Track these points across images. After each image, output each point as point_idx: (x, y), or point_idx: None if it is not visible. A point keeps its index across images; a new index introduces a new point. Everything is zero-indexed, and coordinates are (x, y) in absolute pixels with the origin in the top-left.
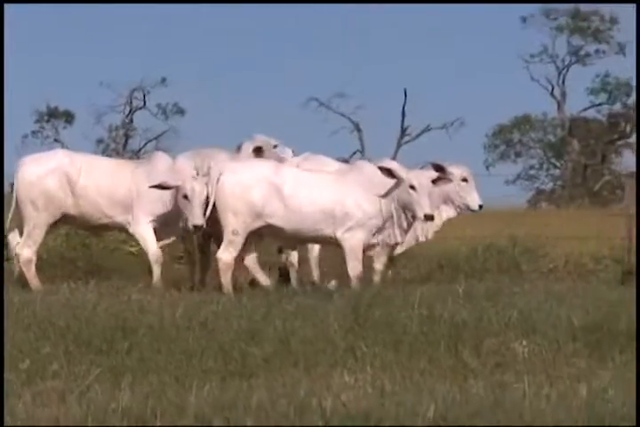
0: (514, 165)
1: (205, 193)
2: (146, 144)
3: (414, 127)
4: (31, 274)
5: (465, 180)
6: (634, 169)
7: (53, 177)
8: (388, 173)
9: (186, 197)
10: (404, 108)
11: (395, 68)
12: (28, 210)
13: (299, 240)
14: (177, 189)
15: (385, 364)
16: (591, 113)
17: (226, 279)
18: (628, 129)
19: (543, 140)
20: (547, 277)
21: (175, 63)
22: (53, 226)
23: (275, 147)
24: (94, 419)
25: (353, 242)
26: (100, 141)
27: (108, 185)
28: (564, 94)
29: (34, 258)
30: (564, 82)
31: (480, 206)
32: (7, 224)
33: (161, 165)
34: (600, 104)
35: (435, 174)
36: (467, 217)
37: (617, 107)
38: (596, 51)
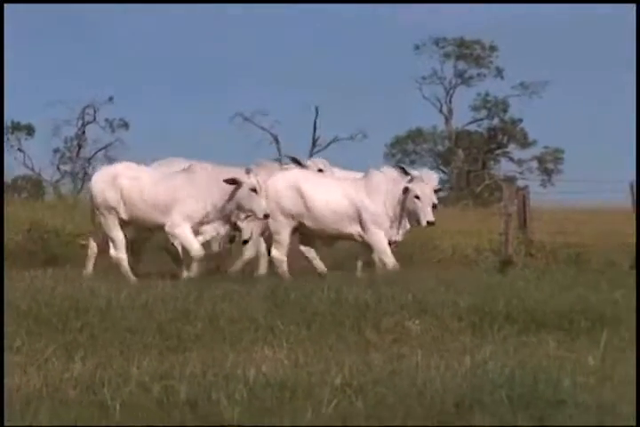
0: None
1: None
2: (96, 153)
3: (324, 139)
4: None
5: (320, 170)
6: (509, 174)
7: (111, 187)
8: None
9: (254, 190)
10: (315, 122)
11: (307, 86)
12: (99, 216)
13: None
14: (243, 184)
15: (299, 340)
16: (473, 127)
17: (282, 271)
18: (505, 140)
19: (433, 149)
20: (436, 265)
21: (120, 82)
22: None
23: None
24: (51, 386)
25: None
26: (56, 151)
27: (153, 192)
28: (450, 111)
29: (123, 256)
30: (450, 100)
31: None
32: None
33: (201, 173)
34: (481, 119)
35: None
36: None
37: (495, 121)
38: (478, 74)
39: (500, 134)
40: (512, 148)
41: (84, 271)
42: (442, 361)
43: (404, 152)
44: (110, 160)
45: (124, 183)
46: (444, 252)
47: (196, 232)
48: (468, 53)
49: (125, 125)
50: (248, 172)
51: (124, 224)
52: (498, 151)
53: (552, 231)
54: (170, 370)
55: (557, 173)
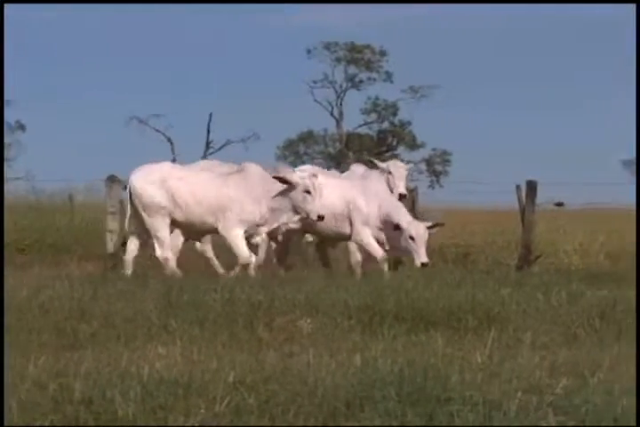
0: None
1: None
2: None
3: (217, 141)
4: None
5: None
6: None
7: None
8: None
9: (308, 191)
10: (208, 126)
11: (201, 91)
12: (145, 216)
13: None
14: (298, 185)
15: (192, 338)
16: (364, 130)
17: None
18: (394, 143)
19: (324, 151)
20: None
21: (19, 85)
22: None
23: None
24: None
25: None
26: None
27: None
28: (341, 114)
29: (169, 256)
30: (341, 104)
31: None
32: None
33: (254, 174)
34: (371, 122)
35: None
36: None
37: (385, 124)
38: (368, 78)
39: (390, 137)
40: (401, 150)
41: (124, 273)
42: (333, 359)
43: (295, 154)
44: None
45: (173, 184)
46: (335, 252)
47: (250, 235)
48: (359, 58)
49: (22, 128)
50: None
51: (173, 225)
52: (387, 154)
53: (440, 231)
54: (65, 368)
55: (445, 174)
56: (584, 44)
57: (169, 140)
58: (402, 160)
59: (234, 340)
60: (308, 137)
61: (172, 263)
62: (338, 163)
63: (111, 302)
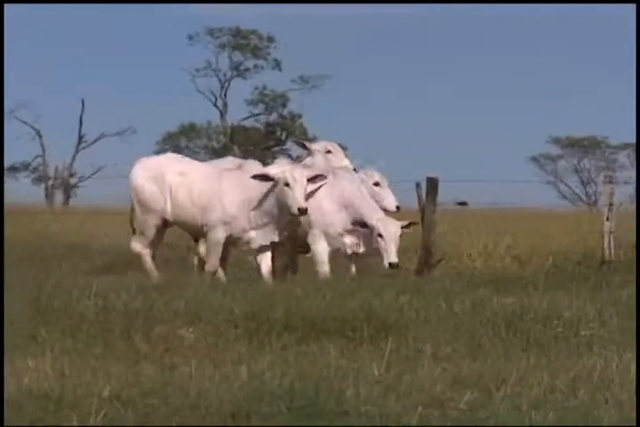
0: None
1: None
2: None
3: (90, 135)
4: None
5: (377, 184)
6: None
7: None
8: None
9: (287, 184)
10: (81, 117)
11: (73, 78)
12: None
13: None
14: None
15: (64, 349)
16: (250, 122)
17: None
18: (284, 136)
19: (208, 145)
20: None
21: None
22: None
23: None
24: None
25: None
26: None
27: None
28: (225, 105)
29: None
30: (225, 94)
31: (398, 207)
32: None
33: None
34: (258, 114)
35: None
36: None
37: (273, 117)
38: (255, 66)
39: (279, 130)
40: (291, 144)
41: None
42: (217, 371)
43: (176, 148)
44: None
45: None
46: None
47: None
48: (245, 44)
49: None
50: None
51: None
52: (276, 148)
53: None
54: None
55: None
56: (478, 38)
57: (38, 133)
58: (290, 156)
59: (109, 351)
60: (189, 130)
61: (148, 258)
62: (222, 157)
63: None
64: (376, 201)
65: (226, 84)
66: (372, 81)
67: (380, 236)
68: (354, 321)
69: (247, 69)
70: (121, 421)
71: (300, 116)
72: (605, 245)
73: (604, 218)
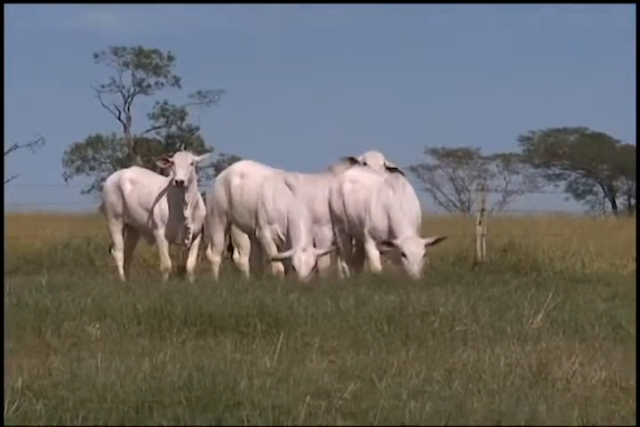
0: (87, 178)
1: None
2: None
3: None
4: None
5: None
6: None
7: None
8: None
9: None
10: None
11: None
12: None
13: None
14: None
15: None
16: (152, 134)
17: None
18: (182, 148)
19: (113, 156)
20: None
21: None
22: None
23: None
24: None
25: None
26: None
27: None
28: (129, 118)
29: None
30: (129, 108)
31: None
32: None
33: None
34: (159, 127)
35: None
36: (44, 220)
37: (173, 129)
38: (156, 83)
39: (178, 142)
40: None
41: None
42: (122, 364)
43: (83, 159)
44: None
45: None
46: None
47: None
48: (147, 62)
49: None
50: None
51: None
52: None
53: None
54: None
55: None
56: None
57: None
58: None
59: (21, 345)
60: (96, 141)
61: (120, 263)
62: (126, 167)
63: None
64: None
65: (129, 100)
66: (262, 95)
67: (404, 255)
68: (247, 317)
69: (149, 86)
70: (32, 412)
71: (197, 128)
72: (478, 248)
73: (477, 223)
